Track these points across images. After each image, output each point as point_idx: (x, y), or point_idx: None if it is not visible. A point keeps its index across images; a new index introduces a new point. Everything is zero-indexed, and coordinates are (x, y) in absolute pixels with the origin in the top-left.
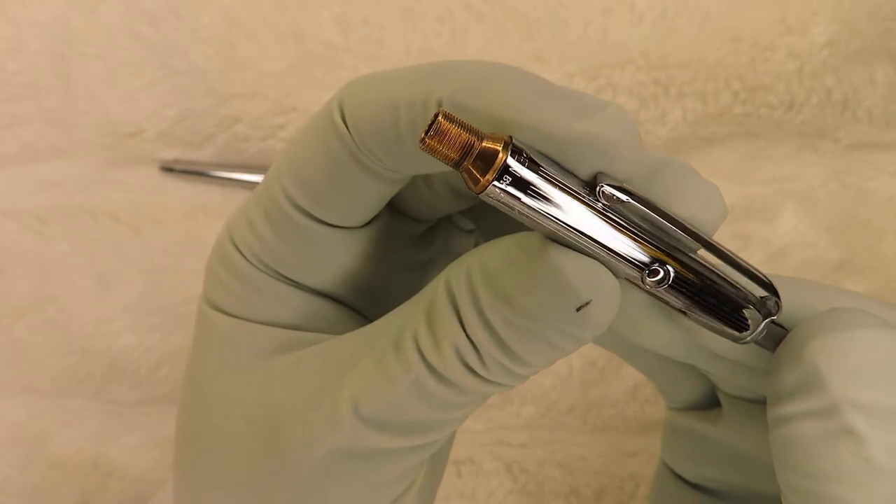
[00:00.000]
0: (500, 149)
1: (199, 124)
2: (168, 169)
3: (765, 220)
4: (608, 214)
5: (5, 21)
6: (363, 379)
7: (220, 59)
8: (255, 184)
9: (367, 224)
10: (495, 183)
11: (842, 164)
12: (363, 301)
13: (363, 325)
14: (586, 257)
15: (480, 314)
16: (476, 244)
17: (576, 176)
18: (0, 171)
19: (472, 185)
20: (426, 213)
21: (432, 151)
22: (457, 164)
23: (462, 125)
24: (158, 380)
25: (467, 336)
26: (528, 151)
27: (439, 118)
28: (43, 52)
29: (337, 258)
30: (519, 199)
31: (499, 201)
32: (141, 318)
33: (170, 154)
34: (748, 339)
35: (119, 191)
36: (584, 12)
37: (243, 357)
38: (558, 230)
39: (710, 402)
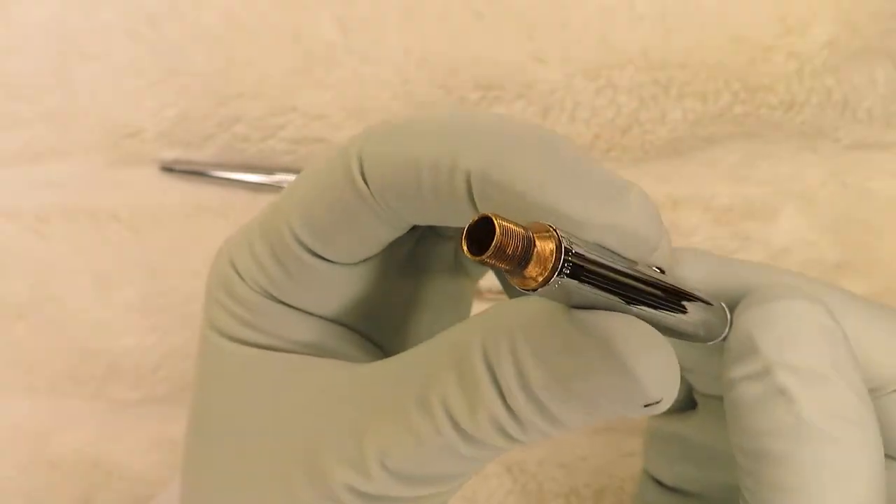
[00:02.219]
0: (552, 249)
1: (199, 124)
2: (168, 169)
3: (765, 220)
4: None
5: (5, 21)
6: (390, 435)
7: (220, 59)
8: (255, 184)
9: (367, 259)
10: (550, 282)
11: (842, 164)
12: (369, 325)
13: (373, 348)
14: (658, 350)
15: (528, 391)
16: (458, 246)
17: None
18: (0, 171)
19: (523, 287)
20: (412, 234)
21: (488, 265)
22: (512, 272)
23: (513, 228)
24: (158, 380)
25: (508, 406)
26: (576, 244)
27: (497, 233)
28: (43, 52)
29: (339, 291)
30: (572, 291)
31: (553, 296)
32: (141, 318)
33: (170, 154)
34: (718, 340)
35: (119, 191)
36: (584, 12)
37: (258, 384)
38: (615, 306)
39: (688, 405)
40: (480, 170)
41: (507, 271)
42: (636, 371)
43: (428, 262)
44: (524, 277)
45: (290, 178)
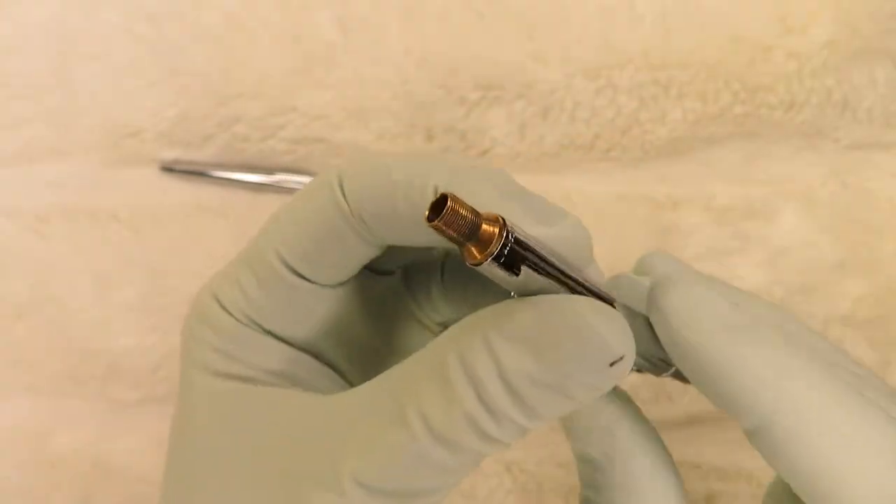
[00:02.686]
0: (496, 231)
1: (199, 124)
2: (168, 169)
3: (765, 220)
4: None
5: (5, 21)
6: (363, 451)
7: (220, 59)
8: (255, 184)
9: (345, 282)
10: (491, 257)
11: (842, 164)
12: (340, 353)
13: (340, 380)
14: (612, 312)
15: (504, 380)
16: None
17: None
18: (0, 171)
19: (469, 260)
20: (388, 266)
21: (439, 231)
22: (459, 243)
23: (465, 207)
24: (158, 380)
25: (482, 400)
26: (517, 232)
27: (448, 202)
28: (43, 52)
29: (318, 314)
30: (506, 272)
31: (492, 273)
32: (141, 318)
33: (170, 154)
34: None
35: (119, 191)
36: (584, 12)
37: (236, 419)
38: (549, 286)
39: None
40: (446, 185)
41: (455, 241)
42: (598, 328)
43: (402, 308)
44: (470, 251)
45: (290, 178)
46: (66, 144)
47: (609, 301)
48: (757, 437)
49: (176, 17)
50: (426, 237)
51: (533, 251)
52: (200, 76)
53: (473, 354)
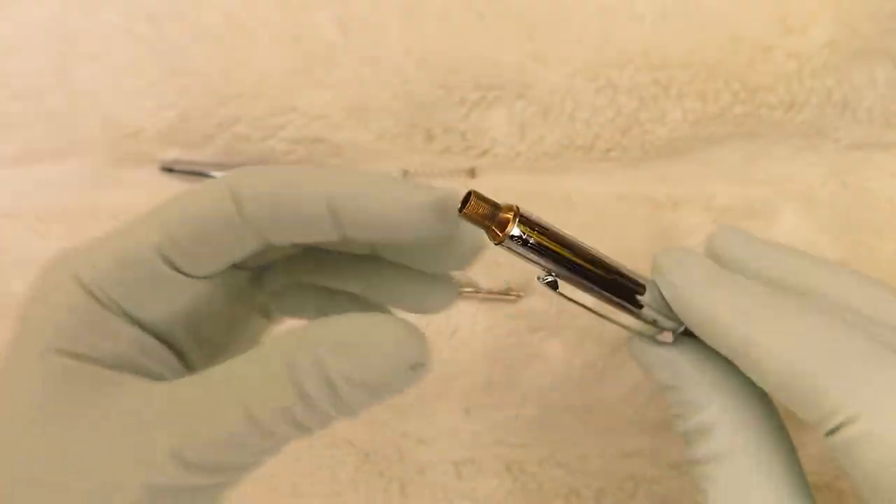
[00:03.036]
0: (510, 218)
1: (199, 124)
2: (168, 169)
3: (765, 220)
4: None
5: (6, 21)
6: (187, 434)
7: (221, 59)
8: None
9: (211, 276)
10: (508, 238)
11: (842, 164)
12: (192, 342)
13: (182, 371)
14: (412, 327)
15: (324, 379)
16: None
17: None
18: (0, 171)
19: (494, 240)
20: (256, 262)
21: (468, 218)
22: (485, 228)
23: (486, 200)
24: None
25: (302, 398)
26: (529, 218)
27: (472, 197)
28: (43, 52)
29: (180, 302)
30: (523, 250)
31: (512, 250)
32: None
33: (170, 154)
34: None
35: (119, 191)
36: (584, 12)
37: (64, 394)
38: (553, 267)
39: None
40: (342, 193)
41: (481, 226)
42: (404, 341)
43: (254, 302)
44: (493, 233)
45: None
46: (66, 144)
47: (630, 277)
48: (737, 357)
49: (176, 17)
50: (314, 235)
51: (547, 232)
52: (200, 76)
53: (299, 355)
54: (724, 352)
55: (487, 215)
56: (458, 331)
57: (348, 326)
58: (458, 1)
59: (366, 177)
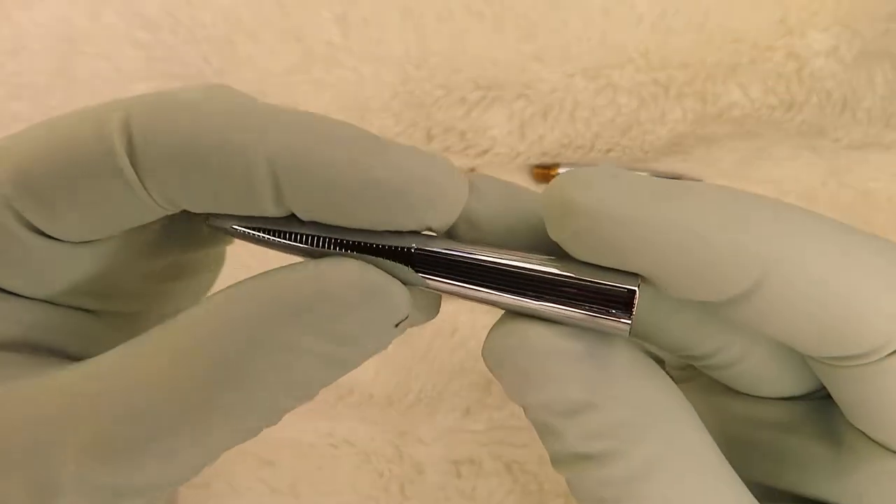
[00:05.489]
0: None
1: None
2: None
3: None
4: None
5: (6, 21)
6: (85, 445)
7: (221, 58)
8: None
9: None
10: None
11: (842, 164)
12: (108, 305)
13: (103, 330)
14: (402, 284)
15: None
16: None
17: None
18: None
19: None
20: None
21: None
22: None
23: None
24: None
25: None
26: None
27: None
28: (43, 53)
29: (62, 272)
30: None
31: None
32: None
33: None
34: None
35: None
36: (584, 12)
37: None
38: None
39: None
40: (288, 157)
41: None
42: (391, 290)
43: (170, 255)
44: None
45: None
46: None
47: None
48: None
49: (176, 17)
50: (244, 207)
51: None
52: (200, 76)
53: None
54: (727, 286)
55: None
56: (457, 331)
57: (298, 275)
58: (458, 1)
59: (325, 128)
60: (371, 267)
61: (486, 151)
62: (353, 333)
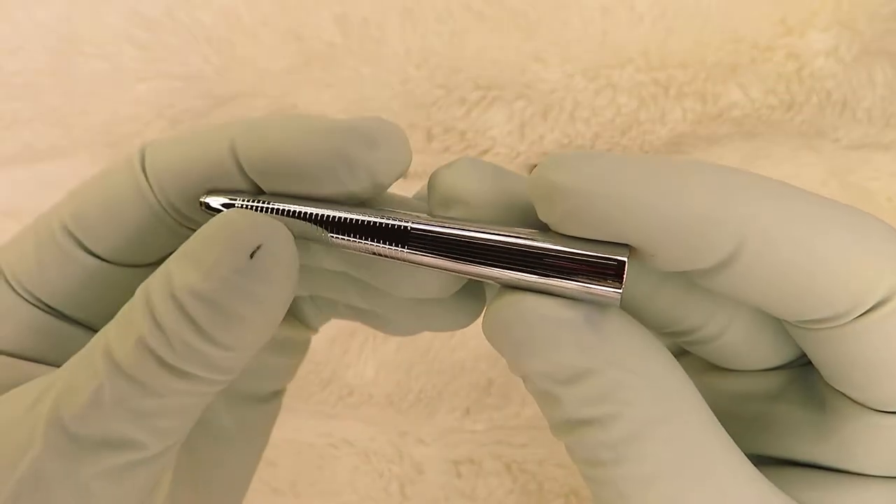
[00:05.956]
0: None
1: (198, 124)
2: None
3: None
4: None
5: (6, 21)
6: (60, 394)
7: (220, 58)
8: None
9: (148, 264)
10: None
11: (842, 164)
12: None
13: None
14: (255, 212)
15: (173, 298)
16: None
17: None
18: (0, 171)
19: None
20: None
21: None
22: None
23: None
24: None
25: (156, 322)
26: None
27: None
28: (43, 52)
29: (102, 290)
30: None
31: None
32: None
33: None
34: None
35: None
36: (584, 12)
37: None
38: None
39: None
40: (243, 140)
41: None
42: (235, 220)
43: None
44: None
45: None
46: (66, 144)
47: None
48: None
49: (176, 16)
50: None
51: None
52: (200, 76)
53: (152, 280)
54: (703, 254)
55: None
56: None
57: (195, 234)
58: (458, 1)
59: (269, 118)
60: (244, 212)
61: (486, 151)
62: (208, 260)
